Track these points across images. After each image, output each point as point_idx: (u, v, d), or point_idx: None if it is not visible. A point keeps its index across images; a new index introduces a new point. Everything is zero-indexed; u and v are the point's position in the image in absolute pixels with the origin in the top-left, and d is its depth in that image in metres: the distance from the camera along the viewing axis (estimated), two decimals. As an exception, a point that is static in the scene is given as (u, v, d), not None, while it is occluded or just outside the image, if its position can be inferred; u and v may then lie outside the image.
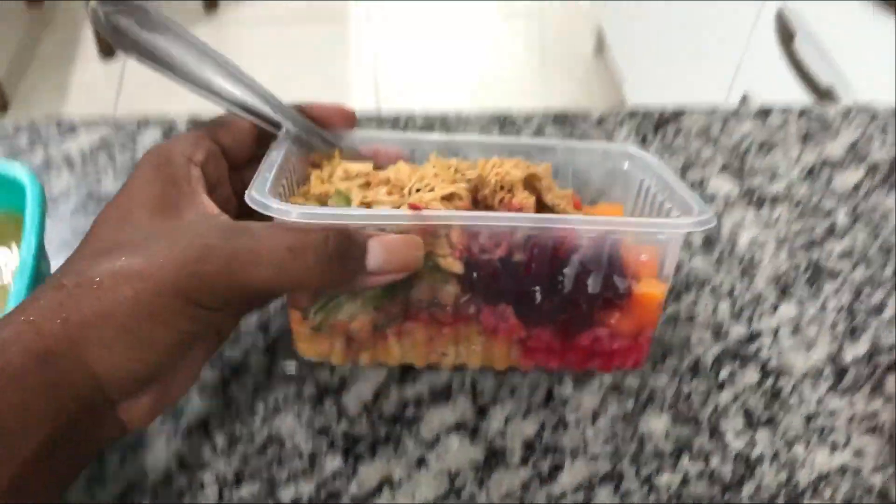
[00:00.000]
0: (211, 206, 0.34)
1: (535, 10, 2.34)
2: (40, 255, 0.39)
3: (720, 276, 0.48)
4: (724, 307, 0.47)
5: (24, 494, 0.27)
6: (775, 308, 0.47)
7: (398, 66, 2.10)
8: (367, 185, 0.39)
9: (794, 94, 1.18)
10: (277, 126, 0.39)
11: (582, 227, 0.35)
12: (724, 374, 0.44)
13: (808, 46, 1.17)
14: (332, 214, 0.34)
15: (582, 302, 0.38)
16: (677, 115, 0.58)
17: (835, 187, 0.54)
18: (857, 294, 0.48)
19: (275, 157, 0.38)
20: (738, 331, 0.46)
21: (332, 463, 0.39)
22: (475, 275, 0.36)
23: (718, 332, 0.46)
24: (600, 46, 2.05)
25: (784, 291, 0.48)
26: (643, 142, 0.56)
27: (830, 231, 0.51)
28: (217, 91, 0.37)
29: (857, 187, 0.54)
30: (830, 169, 0.55)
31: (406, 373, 0.43)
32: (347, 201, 0.38)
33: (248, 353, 0.43)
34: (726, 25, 1.40)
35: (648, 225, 0.38)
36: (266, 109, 0.39)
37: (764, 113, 0.59)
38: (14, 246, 0.43)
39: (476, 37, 2.28)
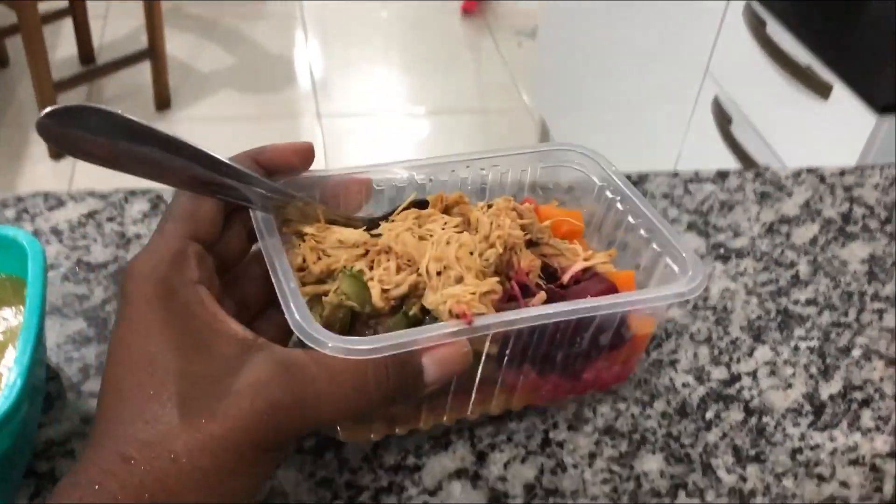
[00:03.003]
0: (237, 329, 0.34)
1: (478, 106, 2.43)
2: (43, 315, 0.39)
3: (697, 324, 0.51)
4: (704, 352, 0.49)
5: None
6: (751, 352, 0.49)
7: (348, 159, 2.15)
8: (365, 254, 0.39)
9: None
10: (245, 198, 0.37)
11: (607, 310, 0.38)
12: (710, 414, 0.45)
13: (744, 129, 1.24)
14: (391, 345, 0.34)
15: (594, 352, 0.41)
16: (642, 178, 0.61)
17: (794, 241, 0.57)
18: (826, 337, 0.50)
19: (273, 246, 0.37)
20: (719, 374, 0.48)
21: (336, 514, 0.39)
22: (507, 351, 0.39)
23: (701, 376, 0.47)
24: (545, 137, 2.13)
25: (757, 337, 0.50)
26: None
27: (795, 280, 0.54)
28: (181, 176, 0.35)
29: (813, 241, 0.57)
30: (788, 225, 0.59)
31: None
32: (361, 283, 0.37)
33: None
34: (667, 111, 1.48)
35: (661, 298, 0.39)
36: (233, 183, 0.36)
37: (721, 176, 0.62)
38: (14, 308, 0.43)
39: (421, 129, 2.35)
